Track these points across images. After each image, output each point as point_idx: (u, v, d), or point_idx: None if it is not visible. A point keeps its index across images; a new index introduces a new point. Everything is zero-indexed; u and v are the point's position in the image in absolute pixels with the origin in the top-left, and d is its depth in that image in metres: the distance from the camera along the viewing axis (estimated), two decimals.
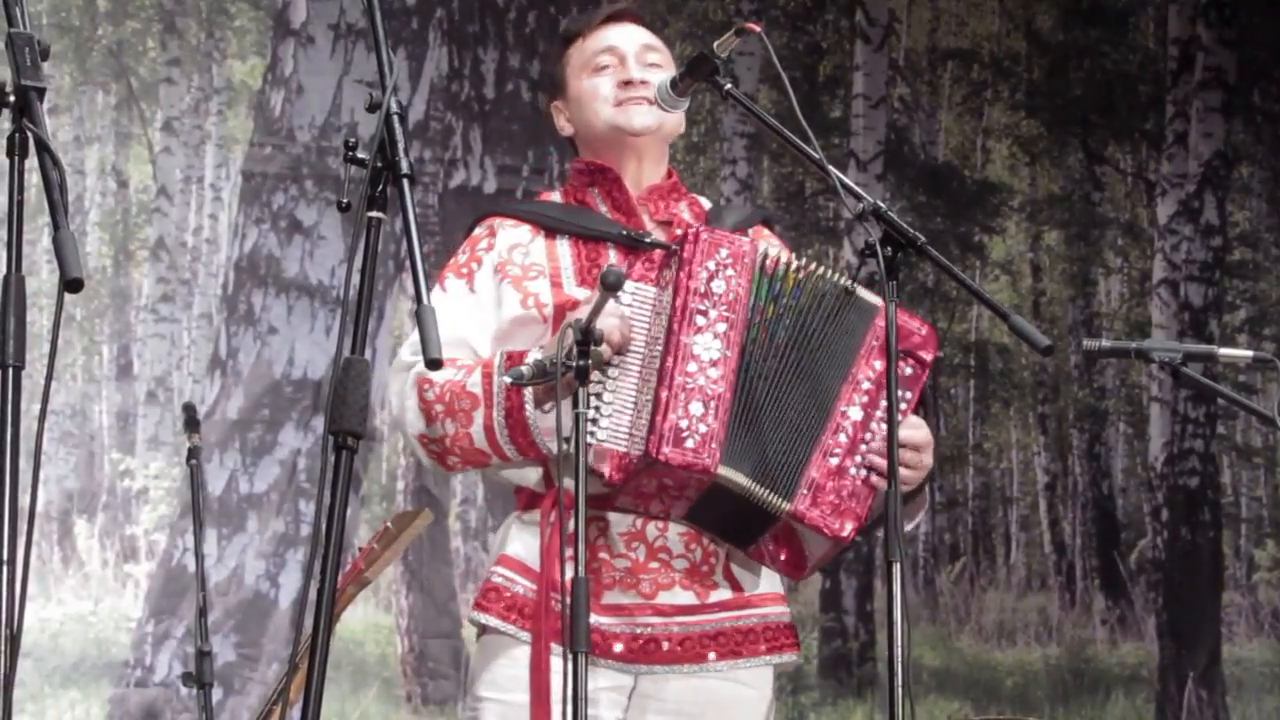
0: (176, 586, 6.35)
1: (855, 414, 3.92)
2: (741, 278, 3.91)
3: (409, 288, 3.27)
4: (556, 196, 4.28)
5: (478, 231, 4.17)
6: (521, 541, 4.04)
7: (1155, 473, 7.55)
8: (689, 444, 3.82)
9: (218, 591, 6.19)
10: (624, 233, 4.08)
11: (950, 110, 7.63)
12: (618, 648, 4.00)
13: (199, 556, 5.67)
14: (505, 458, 3.95)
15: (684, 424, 3.82)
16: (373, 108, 3.29)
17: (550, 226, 4.15)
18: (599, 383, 3.82)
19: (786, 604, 4.18)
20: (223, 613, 6.33)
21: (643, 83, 4.12)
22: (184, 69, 6.78)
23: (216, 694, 5.73)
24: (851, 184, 3.98)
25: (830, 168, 3.94)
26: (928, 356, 4.01)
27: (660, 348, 3.86)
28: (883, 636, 4.75)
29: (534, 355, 3.80)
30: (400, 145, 3.27)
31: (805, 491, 3.91)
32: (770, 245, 4.05)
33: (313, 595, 3.16)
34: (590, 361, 3.71)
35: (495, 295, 4.06)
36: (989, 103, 7.66)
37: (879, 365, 3.96)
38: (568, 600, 3.66)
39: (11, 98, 3.18)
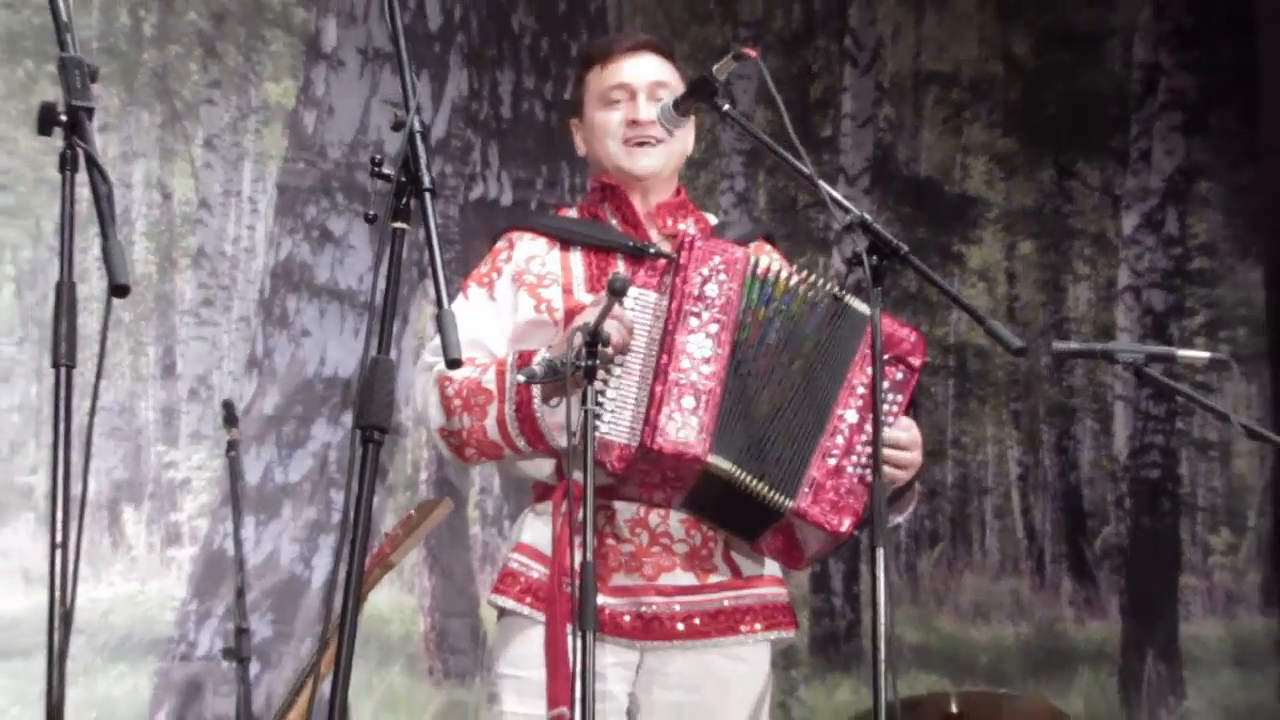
0: (217, 569, 6.35)
1: (851, 417, 3.93)
2: (733, 282, 3.92)
3: (431, 293, 3.26)
4: (573, 212, 4.30)
5: (499, 244, 4.20)
6: (536, 530, 4.06)
7: (1119, 465, 7.54)
8: (681, 435, 3.84)
9: (255, 573, 6.18)
10: (631, 244, 4.10)
11: (932, 129, 7.63)
12: (624, 625, 4.01)
13: (237, 541, 5.67)
14: (517, 449, 3.96)
15: (677, 416, 3.84)
16: (397, 126, 3.29)
17: (564, 239, 4.17)
18: (604, 380, 3.83)
19: (784, 585, 4.18)
20: (260, 593, 6.33)
21: (650, 122, 4.12)
22: (223, 90, 6.78)
23: (254, 668, 5.72)
24: (840, 197, 3.98)
25: (820, 182, 3.94)
26: (916, 362, 4.03)
27: (657, 347, 3.87)
28: (868, 616, 4.75)
29: (543, 354, 3.82)
30: (423, 161, 3.26)
31: (807, 490, 3.93)
32: (768, 258, 4.05)
33: (342, 577, 3.16)
34: (597, 361, 3.72)
35: (513, 302, 4.09)
36: (968, 122, 7.66)
37: (872, 372, 3.96)
38: (577, 584, 3.68)
39: (63, 117, 3.18)
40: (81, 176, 3.17)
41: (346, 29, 6.87)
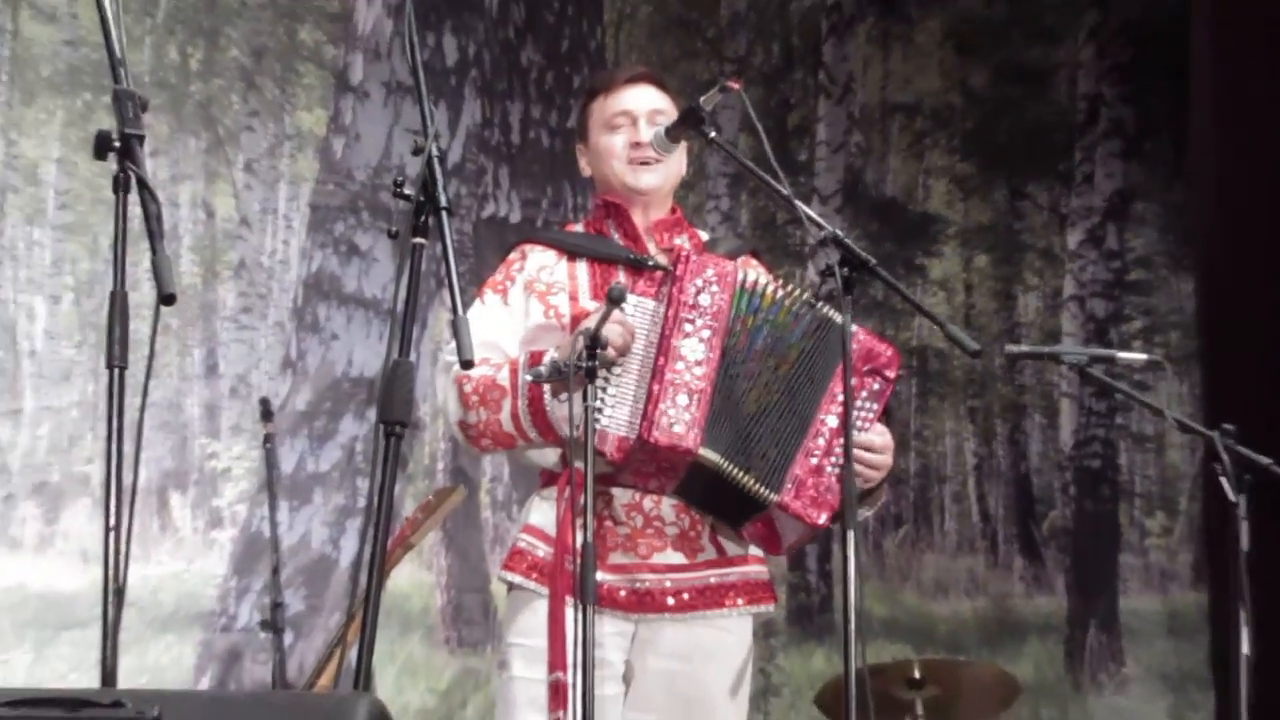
0: (254, 549, 6.34)
1: (832, 421, 3.94)
2: (724, 293, 3.93)
3: (447, 301, 3.26)
4: (579, 227, 4.31)
5: (512, 255, 4.20)
6: (542, 513, 4.06)
7: (1064, 456, 7.54)
8: (675, 429, 3.85)
9: (289, 553, 6.17)
10: (631, 256, 4.11)
11: (897, 154, 7.62)
12: (620, 599, 4.01)
13: (273, 524, 5.66)
14: (528, 439, 3.98)
15: (671, 413, 3.85)
16: (417, 151, 3.28)
17: (571, 251, 4.18)
18: (605, 379, 3.84)
19: (765, 564, 4.19)
20: (293, 571, 6.32)
21: (651, 145, 4.13)
22: (261, 119, 6.77)
23: (288, 638, 5.72)
24: (815, 215, 3.99)
25: (797, 202, 3.94)
26: (891, 374, 4.05)
27: (654, 350, 3.87)
28: (839, 591, 4.74)
29: (550, 356, 3.85)
30: (440, 183, 3.26)
31: (790, 486, 3.95)
32: (755, 272, 4.06)
33: (367, 556, 3.15)
34: (597, 363, 3.73)
35: (524, 307, 4.09)
36: (929, 148, 7.65)
37: (852, 381, 3.97)
38: (578, 561, 3.69)
39: (117, 143, 3.17)
40: (133, 197, 3.17)
41: (372, 64, 6.86)
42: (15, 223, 6.38)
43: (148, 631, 6.18)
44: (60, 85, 6.46)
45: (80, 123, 6.39)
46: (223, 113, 6.71)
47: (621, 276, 4.06)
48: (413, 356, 3.24)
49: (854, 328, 3.95)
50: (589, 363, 3.72)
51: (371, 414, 6.52)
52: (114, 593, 3.06)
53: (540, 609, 3.95)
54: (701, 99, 3.99)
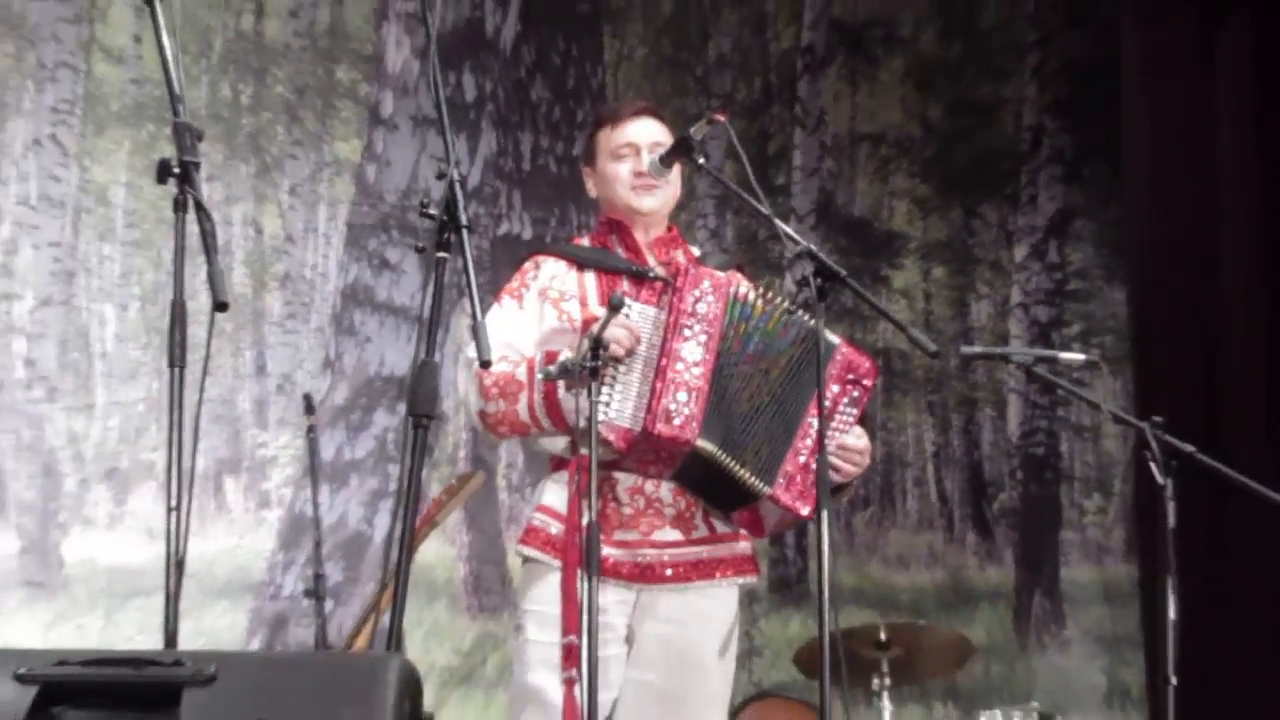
0: (299, 527, 6.33)
1: (818, 424, 3.93)
2: (719, 302, 3.94)
3: (468, 308, 3.26)
4: (586, 241, 4.30)
5: (526, 265, 4.21)
6: (554, 494, 4.05)
7: (1012, 444, 7.53)
8: (675, 422, 3.85)
9: (328, 531, 6.16)
10: (634, 268, 4.11)
11: (864, 178, 7.61)
12: (623, 571, 4.01)
13: (315, 505, 5.66)
14: (541, 428, 3.98)
15: (672, 407, 3.85)
16: (440, 176, 3.28)
17: (580, 262, 4.18)
18: (613, 376, 3.85)
19: (749, 540, 4.19)
20: (332, 546, 6.31)
21: (650, 173, 4.14)
22: (304, 148, 6.76)
23: (328, 605, 5.73)
24: (792, 232, 4.00)
25: (776, 220, 3.96)
26: (869, 383, 4.08)
27: (657, 352, 3.88)
28: (814, 564, 4.75)
29: (563, 356, 3.85)
30: (460, 204, 3.26)
31: (782, 480, 3.97)
32: (747, 285, 4.07)
33: (397, 533, 3.15)
34: (600, 363, 3.74)
35: (539, 311, 4.09)
36: (892, 173, 7.64)
37: (836, 389, 4.00)
38: (585, 538, 3.69)
39: (176, 170, 3.17)
40: (191, 216, 3.17)
41: (400, 100, 6.86)
42: (88, 239, 6.37)
43: (205, 599, 6.17)
44: (127, 118, 6.46)
45: (145, 151, 6.39)
46: (269, 142, 6.70)
47: (625, 285, 4.06)
48: (437, 357, 3.24)
49: (837, 340, 4.03)
50: (594, 363, 3.73)
51: (401, 408, 6.52)
52: (175, 565, 3.06)
53: (552, 580, 3.95)
54: (691, 130, 4.01)
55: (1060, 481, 7.51)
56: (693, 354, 3.90)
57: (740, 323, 3.97)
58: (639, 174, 4.15)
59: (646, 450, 3.90)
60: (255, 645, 6.25)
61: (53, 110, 6.38)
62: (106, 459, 6.28)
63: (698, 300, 3.93)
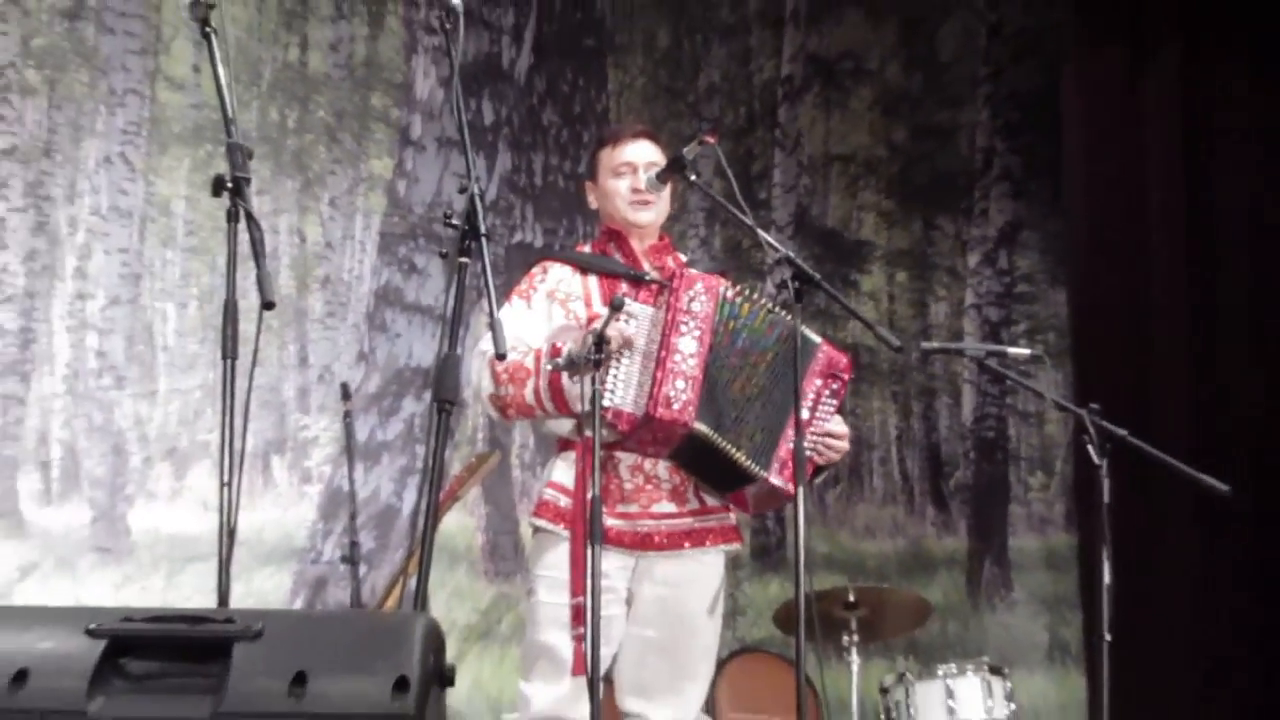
0: (336, 500, 6.33)
1: (803, 414, 3.93)
2: (710, 302, 3.94)
3: (485, 307, 3.27)
4: (587, 248, 4.30)
5: (535, 270, 4.20)
6: (562, 471, 4.05)
7: (966, 428, 7.52)
8: (674, 407, 3.85)
9: (362, 504, 6.16)
10: (631, 272, 4.11)
11: (836, 194, 7.60)
12: (625, 540, 4.01)
13: (351, 481, 5.65)
14: (545, 411, 3.96)
15: (671, 393, 3.85)
16: (462, 190, 3.27)
17: (584, 267, 4.17)
18: (615, 368, 3.84)
19: (732, 513, 4.18)
20: (366, 517, 6.31)
21: (646, 189, 4.13)
22: (342, 166, 6.75)
23: (362, 569, 5.71)
24: (773, 241, 3.99)
25: (759, 230, 3.95)
26: (847, 377, 4.10)
27: (656, 345, 3.88)
28: (791, 534, 4.75)
29: (567, 349, 3.84)
30: (480, 215, 3.25)
31: (776, 466, 3.96)
32: (734, 288, 4.07)
33: (423, 506, 3.14)
34: (601, 356, 3.74)
35: (547, 311, 4.08)
36: (861, 189, 7.63)
37: (819, 383, 4.01)
38: (590, 510, 3.69)
39: (229, 184, 3.16)
40: (242, 226, 3.16)
41: (427, 124, 6.86)
42: (153, 246, 6.37)
43: (253, 564, 6.17)
44: (187, 139, 6.45)
45: (202, 168, 6.38)
46: (312, 160, 6.70)
47: (624, 288, 4.05)
48: (459, 350, 3.23)
49: (818, 340, 4.03)
50: (596, 355, 3.73)
51: (427, 395, 6.52)
52: (227, 534, 3.06)
53: (561, 548, 3.94)
54: (685, 150, 3.99)
55: (1009, 461, 7.50)
56: (688, 347, 3.89)
57: (729, 320, 3.97)
58: (636, 190, 4.15)
59: (647, 432, 3.90)
60: (298, 605, 6.24)
61: (122, 132, 6.38)
62: (167, 440, 6.28)
63: (692, 299, 3.93)
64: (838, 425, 4.08)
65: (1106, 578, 4.52)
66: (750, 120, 7.51)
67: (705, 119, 7.38)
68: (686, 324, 3.90)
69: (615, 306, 3.76)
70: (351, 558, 5.56)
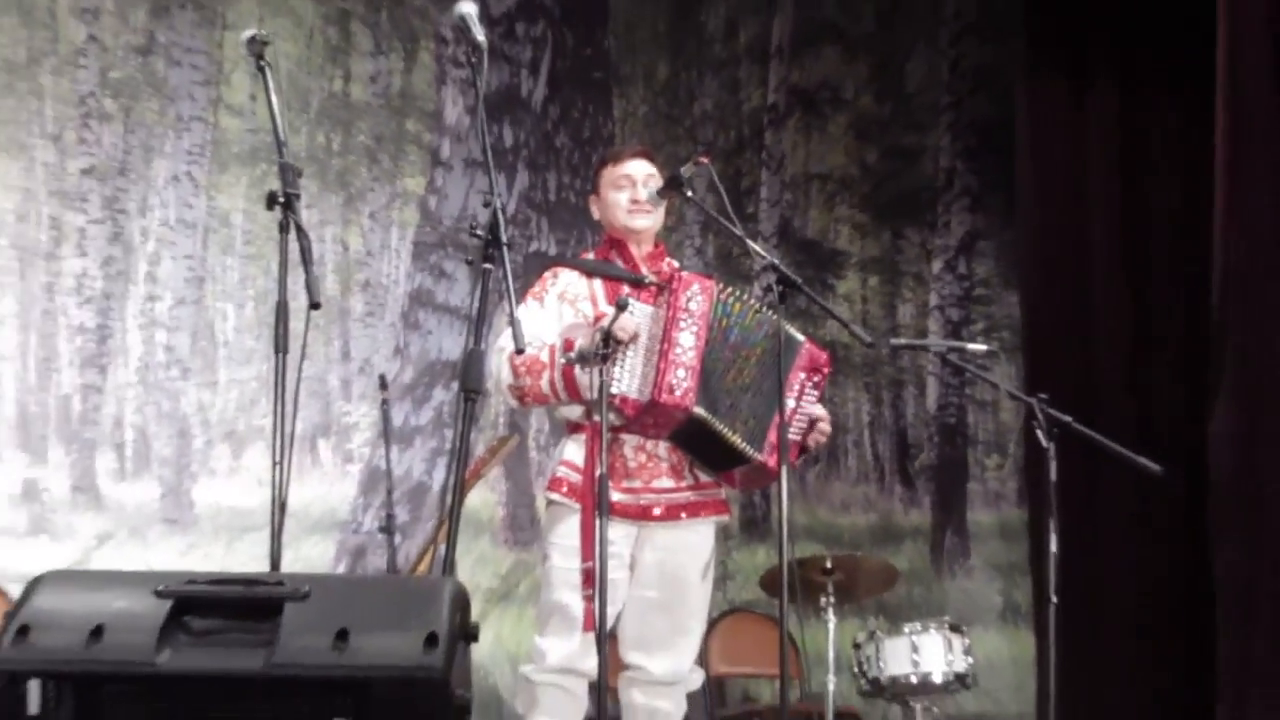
0: (375, 478, 6.33)
1: (790, 403, 3.94)
2: (706, 301, 3.95)
3: (506, 308, 3.29)
4: (591, 255, 4.30)
5: (546, 275, 4.20)
6: (573, 451, 4.06)
7: (930, 415, 7.51)
8: (676, 393, 3.86)
9: (398, 481, 6.16)
10: (632, 276, 4.12)
11: (816, 208, 7.58)
12: (629, 511, 4.01)
13: (388, 461, 5.66)
14: (559, 399, 3.98)
15: (674, 381, 3.86)
16: (486, 205, 3.28)
17: (589, 272, 4.17)
18: (621, 360, 3.84)
19: (723, 489, 4.19)
20: (400, 493, 6.31)
21: (644, 200, 4.13)
22: (380, 183, 6.75)
23: (397, 539, 5.72)
24: (760, 249, 4.01)
25: (748, 240, 3.97)
26: (826, 370, 4.11)
27: (659, 339, 3.88)
28: (775, 507, 4.77)
29: (579, 344, 3.84)
30: (502, 227, 3.26)
31: (767, 449, 3.96)
32: (727, 290, 4.07)
33: (451, 483, 3.15)
34: (609, 350, 3.75)
35: (558, 311, 4.09)
36: (838, 204, 7.61)
37: (803, 376, 4.02)
38: (598, 486, 3.69)
39: (281, 199, 3.17)
40: (292, 236, 3.16)
41: (455, 146, 6.86)
42: (214, 253, 6.39)
43: (301, 534, 6.18)
44: (245, 159, 6.46)
45: (258, 185, 6.39)
46: (354, 179, 6.70)
47: (626, 290, 4.06)
48: (482, 346, 3.24)
49: (802, 338, 4.04)
50: (604, 350, 3.73)
51: (455, 386, 6.52)
52: (279, 507, 3.06)
53: (573, 519, 3.95)
54: (681, 169, 4.00)
55: (967, 444, 7.49)
56: (687, 341, 3.90)
57: (723, 318, 3.98)
58: (634, 200, 4.15)
59: (650, 416, 3.91)
60: (340, 570, 6.25)
61: (187, 153, 6.40)
62: (227, 424, 6.29)
63: (690, 299, 3.93)
64: (822, 412, 4.10)
65: (1053, 547, 4.53)
66: (739, 143, 7.51)
67: (699, 142, 7.38)
68: (685, 320, 3.90)
69: (620, 306, 3.77)
70: (388, 528, 5.56)
